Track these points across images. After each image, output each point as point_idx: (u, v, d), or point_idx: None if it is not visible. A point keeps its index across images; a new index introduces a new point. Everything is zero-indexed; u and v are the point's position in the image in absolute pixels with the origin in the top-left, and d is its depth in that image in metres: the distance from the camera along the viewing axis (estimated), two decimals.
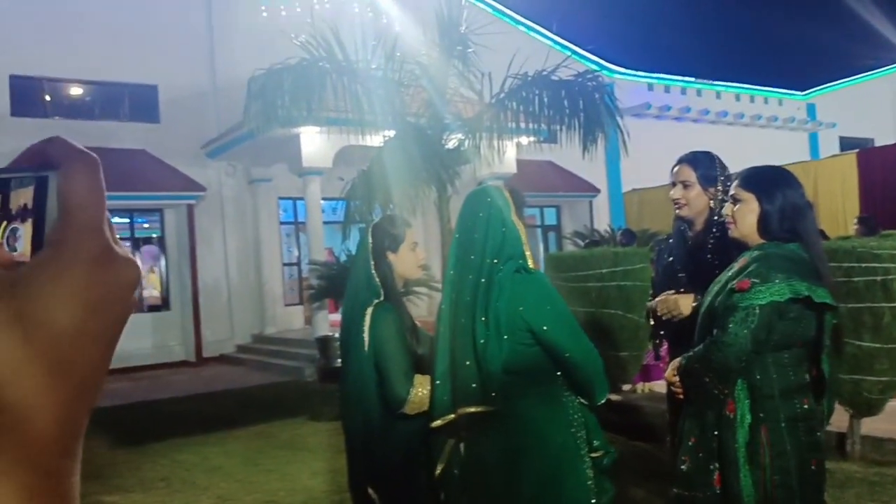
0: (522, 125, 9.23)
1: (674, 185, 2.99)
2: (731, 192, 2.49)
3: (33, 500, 0.37)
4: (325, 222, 12.69)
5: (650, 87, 20.76)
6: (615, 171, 18.59)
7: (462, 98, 9.05)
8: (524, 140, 12.52)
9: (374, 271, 2.53)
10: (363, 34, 8.59)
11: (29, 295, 0.38)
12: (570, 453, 2.19)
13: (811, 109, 23.71)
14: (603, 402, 2.29)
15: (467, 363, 2.19)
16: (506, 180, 11.39)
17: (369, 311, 2.47)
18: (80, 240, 0.39)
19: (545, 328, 2.15)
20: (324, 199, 12.42)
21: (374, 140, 8.73)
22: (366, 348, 2.44)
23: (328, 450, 6.15)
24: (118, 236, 0.42)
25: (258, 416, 7.87)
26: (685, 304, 2.78)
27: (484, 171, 10.07)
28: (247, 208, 14.49)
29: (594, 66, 15.29)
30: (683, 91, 21.33)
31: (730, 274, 2.40)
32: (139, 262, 0.42)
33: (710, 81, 21.96)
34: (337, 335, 3.89)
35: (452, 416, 2.21)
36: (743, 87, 22.49)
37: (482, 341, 2.16)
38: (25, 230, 0.40)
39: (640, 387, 6.91)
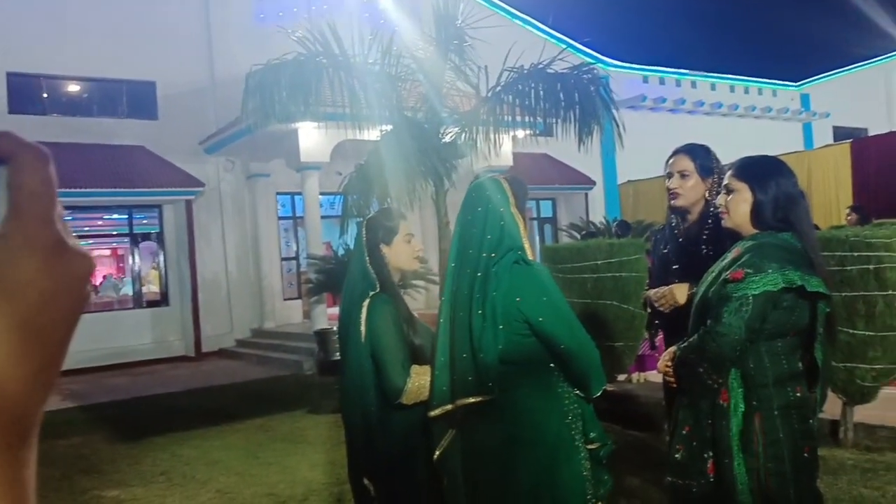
0: (518, 118, 9.24)
1: (669, 175, 3.02)
2: (725, 181, 2.50)
3: None
4: (323, 217, 12.71)
5: (645, 79, 20.79)
6: (611, 163, 18.63)
7: (458, 92, 9.05)
8: (520, 133, 12.54)
9: (369, 264, 2.55)
10: (360, 29, 8.58)
11: None
12: (565, 444, 2.21)
13: (805, 100, 23.77)
14: (599, 394, 2.31)
15: (464, 356, 2.21)
16: (503, 173, 11.41)
17: (365, 303, 2.49)
18: (30, 231, 0.39)
19: (541, 319, 2.17)
20: (322, 193, 12.43)
21: (372, 134, 8.74)
22: (362, 340, 2.46)
23: (327, 442, 6.19)
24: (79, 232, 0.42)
25: (258, 409, 7.90)
26: (681, 293, 2.81)
27: (480, 165, 10.09)
28: (245, 203, 14.49)
29: (590, 59, 15.26)
30: (678, 83, 21.37)
31: (723, 264, 2.41)
32: (92, 256, 0.42)
33: (705, 73, 22.01)
34: (335, 328, 3.92)
35: (450, 406, 2.24)
36: (737, 79, 22.54)
37: (478, 332, 2.18)
38: None
39: (636, 376, 6.96)
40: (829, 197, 13.40)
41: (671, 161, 3.03)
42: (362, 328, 2.46)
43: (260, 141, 12.23)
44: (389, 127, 8.44)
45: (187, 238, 13.51)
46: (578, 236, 13.74)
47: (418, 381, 2.39)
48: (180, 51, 13.86)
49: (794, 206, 2.37)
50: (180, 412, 8.19)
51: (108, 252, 19.53)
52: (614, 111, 8.28)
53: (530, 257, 2.30)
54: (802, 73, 24.23)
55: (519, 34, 12.90)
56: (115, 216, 14.11)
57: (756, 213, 2.39)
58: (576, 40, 17.86)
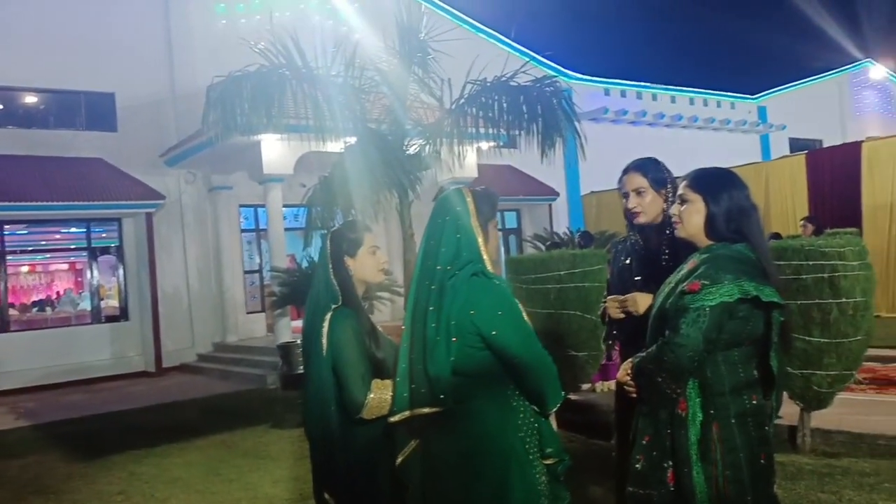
0: (482, 130, 9.30)
1: (626, 195, 3.03)
2: (679, 191, 2.54)
3: None
4: (287, 229, 12.61)
5: (607, 91, 21.10)
6: (574, 175, 18.84)
7: (422, 104, 9.08)
8: (484, 145, 12.62)
9: (332, 277, 2.54)
10: (323, 41, 8.58)
11: None
12: (519, 458, 2.20)
13: (762, 112, 24.36)
14: (555, 410, 2.29)
15: (419, 367, 2.22)
16: (468, 184, 11.45)
17: (328, 316, 2.47)
18: None
19: (494, 333, 2.17)
20: (285, 205, 12.35)
21: (335, 146, 8.72)
22: (324, 353, 2.44)
23: (291, 457, 6.12)
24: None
25: (219, 425, 7.79)
26: (643, 302, 2.82)
27: (445, 177, 10.13)
28: (207, 216, 14.32)
29: (552, 72, 15.47)
30: (639, 95, 21.74)
31: (680, 276, 2.44)
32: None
33: (665, 86, 22.43)
34: (299, 342, 3.88)
35: (408, 413, 2.24)
36: (697, 91, 23.02)
37: (431, 344, 2.18)
38: None
39: (600, 386, 7.01)
40: (786, 206, 13.73)
41: (624, 180, 3.04)
42: (324, 341, 2.44)
43: (222, 153, 12.11)
44: (353, 139, 8.43)
45: (147, 251, 13.30)
46: (543, 247, 13.82)
47: (379, 395, 2.37)
48: (140, 62, 13.69)
49: (747, 219, 2.41)
50: (139, 429, 8.03)
51: (65, 266, 19.10)
52: (576, 123, 8.39)
53: (491, 270, 2.29)
54: (759, 86, 24.86)
55: (482, 47, 13.01)
56: (74, 230, 13.82)
57: (710, 225, 2.42)
58: (538, 53, 18.10)
